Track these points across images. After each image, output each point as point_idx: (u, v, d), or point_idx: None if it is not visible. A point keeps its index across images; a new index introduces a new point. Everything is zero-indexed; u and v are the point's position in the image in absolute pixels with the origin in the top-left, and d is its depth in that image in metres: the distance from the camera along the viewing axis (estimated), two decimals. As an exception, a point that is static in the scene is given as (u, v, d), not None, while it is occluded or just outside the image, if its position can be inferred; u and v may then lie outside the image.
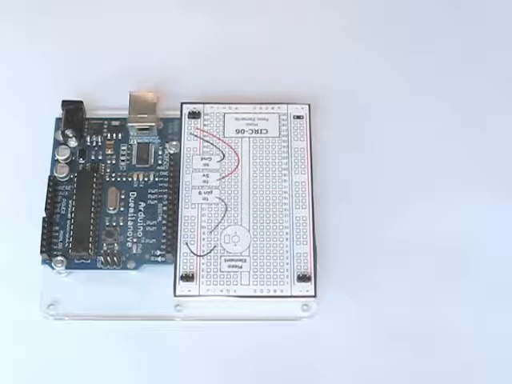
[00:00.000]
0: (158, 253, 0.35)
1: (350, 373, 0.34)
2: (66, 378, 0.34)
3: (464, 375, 0.34)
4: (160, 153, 0.37)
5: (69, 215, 0.35)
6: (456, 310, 0.35)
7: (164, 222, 0.35)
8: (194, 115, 0.37)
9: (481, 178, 0.38)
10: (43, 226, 0.34)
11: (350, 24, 0.41)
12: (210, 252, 0.35)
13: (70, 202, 0.36)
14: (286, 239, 0.35)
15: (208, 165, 0.36)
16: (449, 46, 0.41)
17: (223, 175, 0.36)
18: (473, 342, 0.35)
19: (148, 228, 0.35)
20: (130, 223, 0.35)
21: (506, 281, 0.36)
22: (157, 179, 0.36)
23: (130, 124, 0.37)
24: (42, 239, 0.34)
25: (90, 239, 0.34)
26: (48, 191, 0.35)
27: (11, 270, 0.35)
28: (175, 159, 0.37)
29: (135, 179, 0.36)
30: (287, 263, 0.34)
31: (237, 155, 0.37)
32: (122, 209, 0.36)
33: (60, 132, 0.37)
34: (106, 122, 0.38)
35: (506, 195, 0.37)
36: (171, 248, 0.34)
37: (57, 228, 0.35)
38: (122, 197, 0.36)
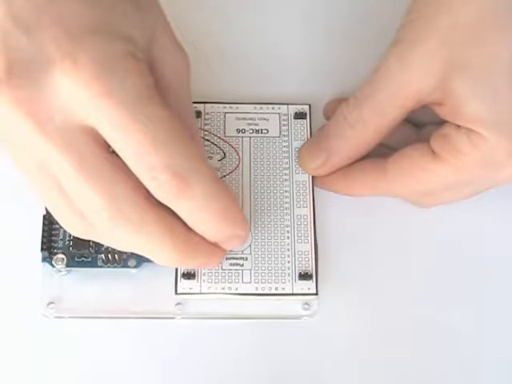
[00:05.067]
0: (159, 251, 0.35)
1: (350, 371, 0.34)
2: (66, 377, 0.33)
3: (464, 375, 0.34)
4: (161, 152, 0.37)
5: (69, 213, 0.35)
6: (456, 310, 0.35)
7: (165, 220, 0.35)
8: (195, 114, 0.38)
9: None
10: (43, 224, 0.34)
11: (352, 24, 0.41)
12: (212, 250, 0.35)
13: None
14: (288, 237, 0.35)
15: (209, 163, 0.37)
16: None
17: (224, 174, 0.36)
18: (473, 342, 0.35)
19: (149, 226, 0.35)
20: (130, 221, 0.35)
21: (506, 281, 0.36)
22: (157, 178, 0.36)
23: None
24: (43, 237, 0.34)
25: (91, 237, 0.34)
26: (48, 189, 0.35)
27: (11, 267, 0.35)
28: (176, 158, 0.37)
29: (136, 178, 0.36)
30: (288, 261, 0.34)
31: (238, 154, 0.37)
32: (122, 207, 0.36)
33: (60, 130, 0.37)
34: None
35: (505, 194, 0.37)
36: (172, 246, 0.34)
37: (57, 226, 0.35)
38: (123, 195, 0.36)
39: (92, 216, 0.29)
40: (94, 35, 0.27)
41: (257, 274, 0.34)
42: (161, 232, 0.29)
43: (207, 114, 0.38)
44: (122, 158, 0.28)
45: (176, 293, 0.34)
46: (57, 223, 0.34)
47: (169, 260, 0.30)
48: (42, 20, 0.27)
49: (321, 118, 0.38)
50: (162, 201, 0.29)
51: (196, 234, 0.30)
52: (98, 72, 0.27)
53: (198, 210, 0.29)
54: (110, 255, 0.34)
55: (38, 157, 0.28)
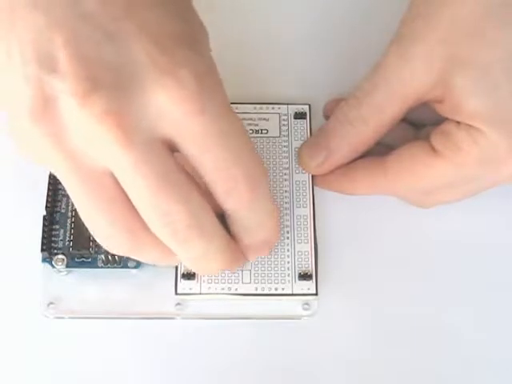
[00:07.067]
0: (159, 251, 0.35)
1: (350, 371, 0.34)
2: (66, 377, 0.34)
3: (464, 375, 0.34)
4: (160, 152, 0.37)
5: (69, 214, 0.35)
6: (456, 310, 0.35)
7: (165, 220, 0.35)
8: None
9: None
10: (44, 225, 0.34)
11: (352, 23, 0.41)
12: (212, 250, 0.35)
13: (71, 200, 0.35)
14: (287, 238, 0.35)
15: (209, 164, 0.36)
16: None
17: (224, 174, 0.36)
18: (473, 342, 0.35)
19: (149, 226, 0.35)
20: (130, 222, 0.35)
21: (506, 281, 0.36)
22: (157, 178, 0.36)
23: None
24: (43, 237, 0.34)
25: (91, 237, 0.34)
26: (48, 189, 0.35)
27: (11, 268, 0.35)
28: (176, 158, 0.37)
29: (136, 178, 0.36)
30: (288, 261, 0.34)
31: (238, 154, 0.37)
32: (122, 207, 0.36)
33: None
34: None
35: (504, 194, 0.37)
36: (172, 246, 0.34)
37: (57, 226, 0.35)
38: (123, 195, 0.36)
39: (162, 229, 0.28)
40: (185, 48, 0.26)
41: (257, 275, 0.34)
42: (223, 242, 0.29)
43: (207, 114, 0.38)
44: (200, 172, 0.27)
45: (176, 293, 0.34)
46: (57, 224, 0.35)
47: (215, 269, 0.31)
48: (123, 27, 0.25)
49: (321, 118, 0.38)
50: (230, 209, 0.29)
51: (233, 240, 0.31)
52: (197, 89, 0.26)
53: (257, 215, 0.30)
54: (110, 255, 0.34)
55: (104, 173, 0.27)
